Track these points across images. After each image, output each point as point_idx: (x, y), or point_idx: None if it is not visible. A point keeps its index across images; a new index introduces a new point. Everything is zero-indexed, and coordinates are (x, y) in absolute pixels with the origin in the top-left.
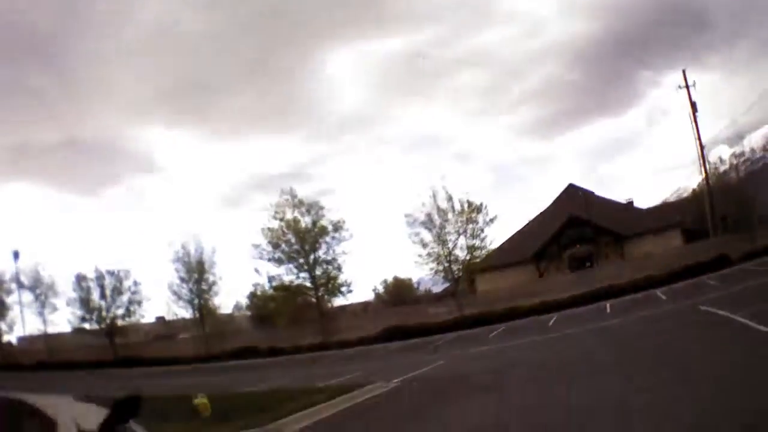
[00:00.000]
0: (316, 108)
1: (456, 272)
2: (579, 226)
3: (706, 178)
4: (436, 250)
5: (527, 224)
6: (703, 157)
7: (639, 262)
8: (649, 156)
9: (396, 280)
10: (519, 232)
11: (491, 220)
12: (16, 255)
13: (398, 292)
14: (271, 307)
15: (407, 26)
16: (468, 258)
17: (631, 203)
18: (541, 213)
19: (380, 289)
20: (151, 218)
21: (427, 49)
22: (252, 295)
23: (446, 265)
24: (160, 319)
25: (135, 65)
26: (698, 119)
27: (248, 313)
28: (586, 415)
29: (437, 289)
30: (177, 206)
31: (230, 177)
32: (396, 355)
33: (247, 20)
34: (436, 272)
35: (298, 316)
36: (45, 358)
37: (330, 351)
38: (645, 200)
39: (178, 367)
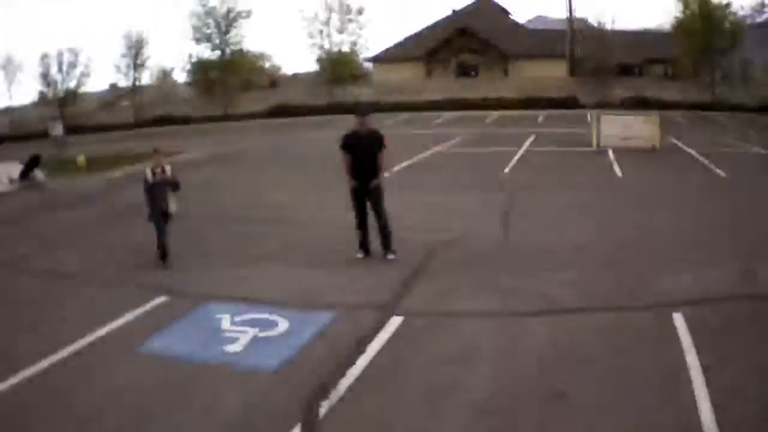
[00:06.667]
0: None
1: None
2: (469, 36)
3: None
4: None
5: (427, 27)
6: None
7: (521, 82)
8: None
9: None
10: (417, 33)
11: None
12: None
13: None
14: (193, 79)
15: None
16: (349, 50)
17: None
18: (444, 18)
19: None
20: None
21: None
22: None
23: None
24: (113, 86)
25: None
26: None
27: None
28: None
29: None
30: None
31: None
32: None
33: None
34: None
35: (211, 90)
36: (7, 132)
37: (229, 122)
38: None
39: (113, 133)
